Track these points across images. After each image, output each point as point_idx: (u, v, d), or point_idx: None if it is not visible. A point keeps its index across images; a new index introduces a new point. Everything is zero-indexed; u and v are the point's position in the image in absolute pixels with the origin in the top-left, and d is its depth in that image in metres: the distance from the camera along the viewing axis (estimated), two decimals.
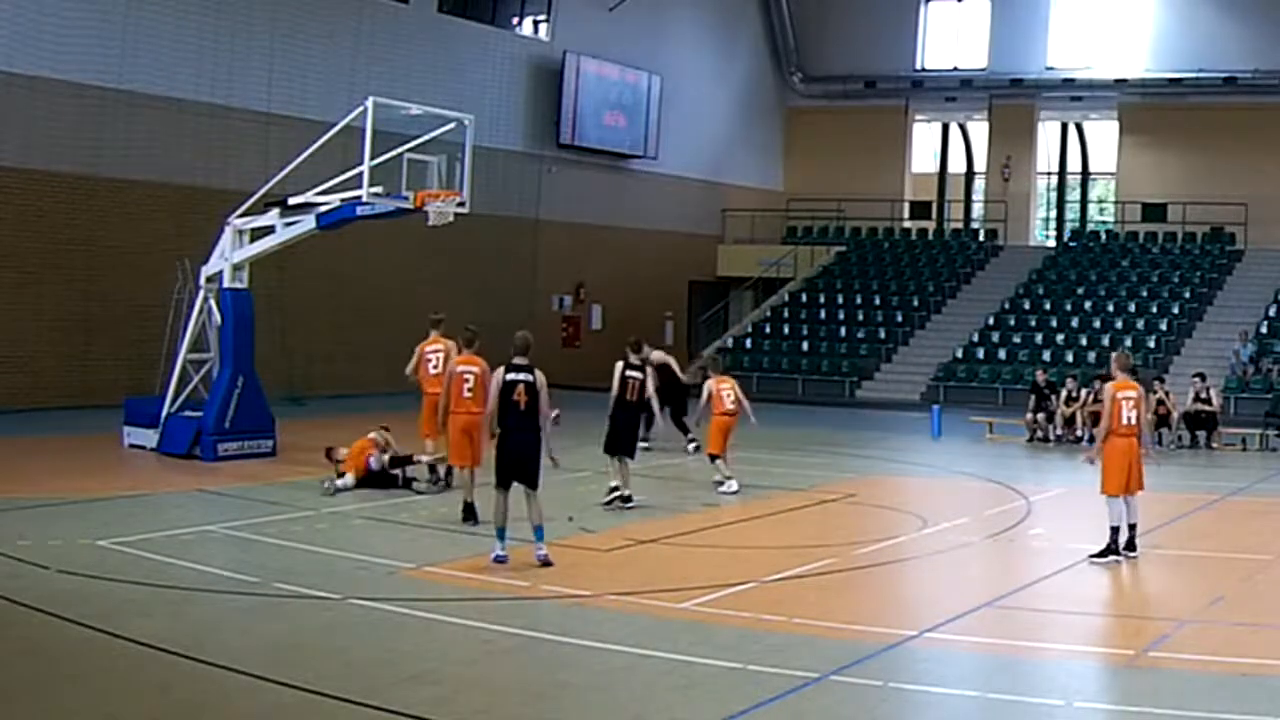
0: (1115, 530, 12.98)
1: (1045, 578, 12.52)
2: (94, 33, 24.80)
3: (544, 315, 34.28)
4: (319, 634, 9.82)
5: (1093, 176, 43.05)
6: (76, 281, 24.93)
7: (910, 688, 8.78)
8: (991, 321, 35.53)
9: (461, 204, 18.52)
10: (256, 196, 19.39)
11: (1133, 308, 34.75)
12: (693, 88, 39.33)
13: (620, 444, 15.84)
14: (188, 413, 19.18)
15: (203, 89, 26.75)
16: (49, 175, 24.59)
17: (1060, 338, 34.12)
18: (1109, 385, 13.57)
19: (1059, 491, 18.34)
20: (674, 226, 39.48)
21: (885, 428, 27.67)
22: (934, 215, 43.36)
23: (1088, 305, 35.22)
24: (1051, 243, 41.18)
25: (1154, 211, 38.31)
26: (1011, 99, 40.49)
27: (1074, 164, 42.85)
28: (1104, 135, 41.34)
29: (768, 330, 37.46)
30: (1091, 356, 32.10)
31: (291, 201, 19.08)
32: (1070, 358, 32.56)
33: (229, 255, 19.17)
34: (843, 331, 36.62)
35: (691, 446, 21.15)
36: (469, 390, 14.10)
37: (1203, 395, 24.52)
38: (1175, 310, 34.22)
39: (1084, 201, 42.90)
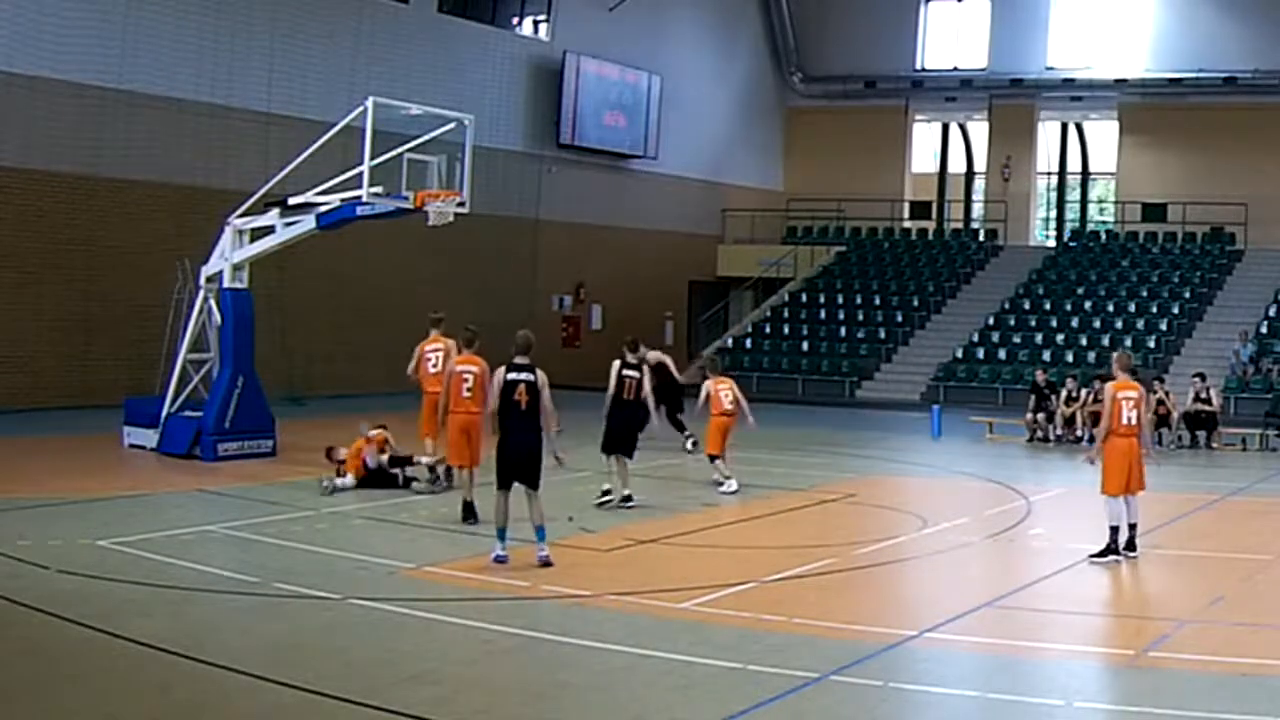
0: (1115, 530, 12.98)
1: (1045, 578, 12.52)
2: (94, 33, 24.80)
3: (544, 315, 34.28)
4: (319, 634, 9.82)
5: (1093, 176, 43.06)
6: (76, 281, 24.93)
7: (910, 688, 8.78)
8: (991, 321, 35.53)
9: (461, 204, 18.52)
10: (256, 196, 19.39)
11: (1133, 308, 34.76)
12: (693, 88, 39.33)
13: (618, 443, 15.86)
14: (188, 413, 19.18)
15: (203, 89, 26.75)
16: (49, 175, 24.59)
17: (1060, 338, 34.12)
18: (1110, 385, 13.56)
19: (1059, 491, 18.34)
20: (674, 226, 39.48)
21: (885, 428, 27.67)
22: (934, 215, 43.36)
23: (1088, 305, 35.22)
24: (1051, 243, 41.18)
25: (1154, 211, 38.31)
26: (1011, 99, 40.49)
27: (1074, 164, 42.85)
28: (1104, 135, 41.34)
29: (768, 330, 37.46)
30: (1091, 356, 32.11)
31: (291, 201, 19.09)
32: (1070, 358, 32.56)
33: (229, 255, 19.17)
34: (843, 331, 36.62)
35: (689, 443, 21.23)
36: (468, 390, 14.12)
37: (1203, 395, 24.52)
38: (1175, 310, 34.22)
39: (1084, 201, 42.90)
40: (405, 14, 31.11)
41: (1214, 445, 24.28)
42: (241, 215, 19.28)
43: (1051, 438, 24.73)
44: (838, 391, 34.21)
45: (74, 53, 24.46)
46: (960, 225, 42.85)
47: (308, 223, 18.88)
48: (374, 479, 16.37)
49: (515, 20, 35.08)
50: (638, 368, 16.35)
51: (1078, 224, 41.90)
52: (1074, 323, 34.67)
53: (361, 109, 18.13)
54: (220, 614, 10.36)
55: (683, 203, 39.79)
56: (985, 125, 41.91)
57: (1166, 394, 23.99)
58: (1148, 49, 38.36)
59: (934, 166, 44.26)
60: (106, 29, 25.01)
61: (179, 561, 11.87)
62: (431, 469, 16.33)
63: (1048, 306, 35.60)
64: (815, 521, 15.69)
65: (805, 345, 36.18)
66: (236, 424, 18.76)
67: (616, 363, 16.23)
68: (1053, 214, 43.14)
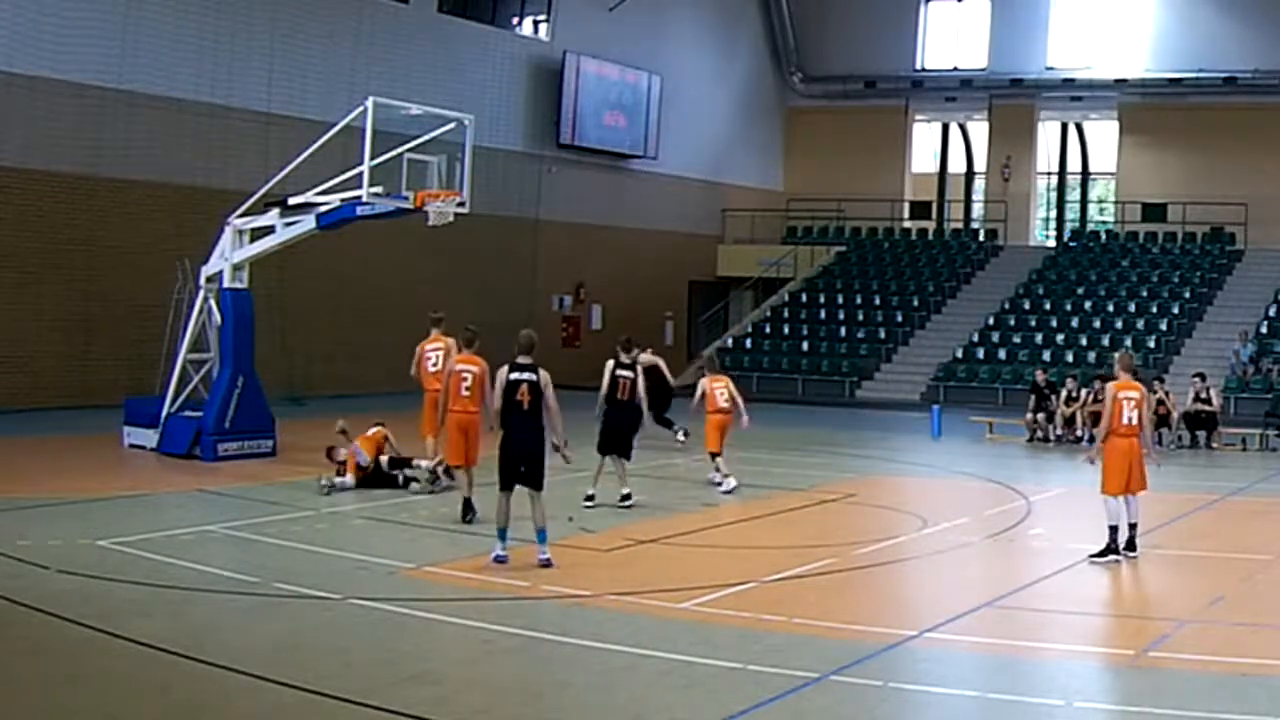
0: (1114, 530, 12.98)
1: (1045, 578, 12.52)
2: (94, 33, 24.80)
3: (544, 315, 34.28)
4: (319, 634, 9.82)
5: (1093, 176, 43.06)
6: (76, 281, 24.93)
7: (910, 688, 8.78)
8: (991, 321, 35.53)
9: (461, 204, 18.53)
10: (256, 196, 19.39)
11: (1133, 308, 34.76)
12: (693, 88, 39.33)
13: (614, 444, 15.87)
14: (188, 413, 19.18)
15: (203, 89, 26.75)
16: (49, 175, 24.59)
17: (1060, 338, 34.12)
18: (1111, 385, 13.56)
19: (1059, 491, 18.34)
20: (674, 226, 39.48)
21: (885, 428, 27.67)
22: (934, 215, 43.37)
23: (1088, 305, 35.22)
24: (1051, 243, 41.18)
25: (1154, 211, 38.31)
26: (1011, 99, 40.49)
27: (1074, 164, 42.85)
28: (1104, 135, 41.34)
29: (768, 330, 37.46)
30: (1091, 356, 32.12)
31: (291, 201, 19.09)
32: (1070, 358, 32.57)
33: (229, 255, 19.17)
34: (843, 331, 36.63)
35: (681, 435, 21.42)
36: (466, 389, 14.14)
37: (1203, 395, 24.52)
38: (1175, 310, 34.23)
39: (1084, 201, 42.91)
40: (405, 14, 31.11)
41: (1214, 445, 24.28)
42: (241, 215, 19.28)
43: (1051, 438, 24.73)
44: (838, 391, 34.21)
45: (74, 53, 24.46)
46: (960, 225, 42.86)
47: (308, 223, 18.88)
48: (373, 479, 16.37)
49: (515, 20, 35.08)
50: (631, 368, 16.40)
51: (1078, 224, 41.91)
52: (1074, 323, 34.67)
53: (361, 109, 18.13)
54: (220, 614, 10.36)
55: (683, 203, 39.79)
56: (985, 125, 41.91)
57: (1166, 394, 23.98)
58: (1148, 49, 38.36)
59: (934, 166, 44.27)
60: (106, 29, 25.01)
61: (179, 561, 11.87)
62: (433, 472, 16.29)
63: (1048, 306, 35.60)
64: (815, 521, 15.69)
65: (805, 345, 36.19)
66: (236, 424, 18.76)
67: (610, 363, 16.30)
68: (1053, 214, 43.15)
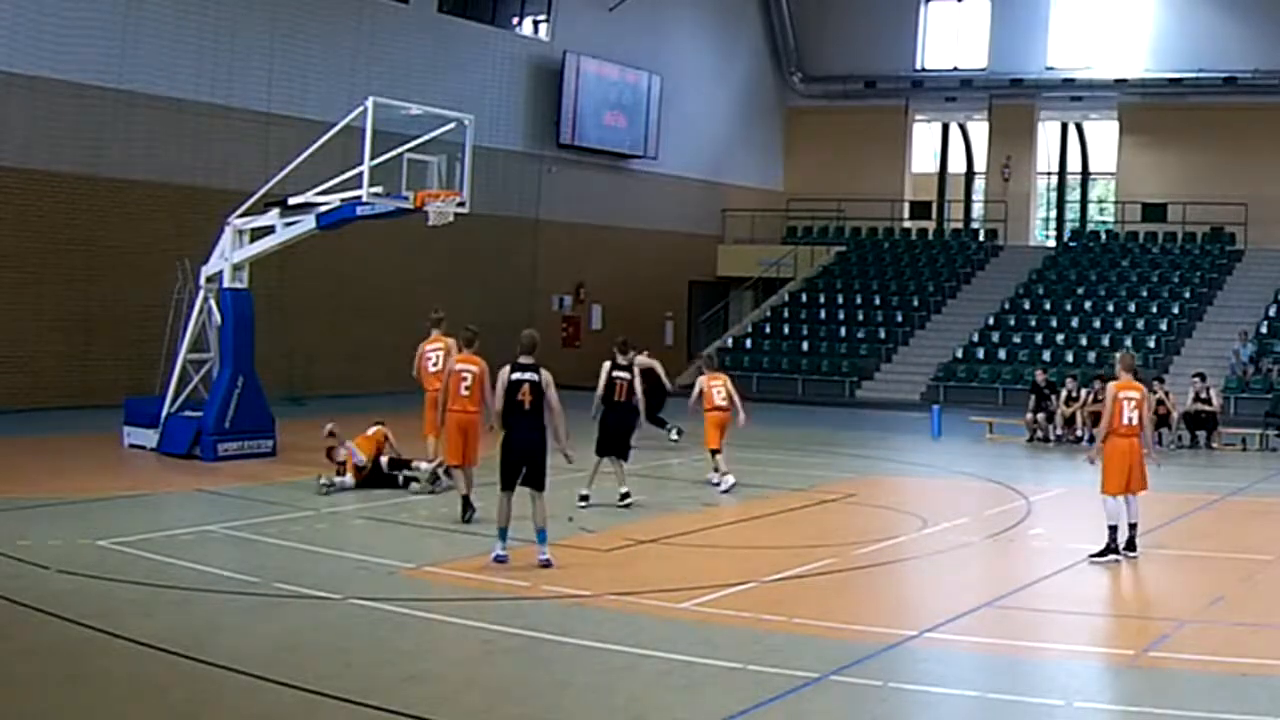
0: (1113, 529, 12.99)
1: (1045, 578, 12.52)
2: (94, 33, 24.80)
3: (544, 315, 34.27)
4: (319, 634, 9.82)
5: (1093, 176, 43.05)
6: (76, 281, 24.93)
7: (910, 688, 8.78)
8: (991, 321, 35.53)
9: (461, 204, 18.52)
10: (256, 196, 19.39)
11: (1133, 308, 34.76)
12: (693, 88, 39.33)
13: (612, 445, 15.88)
14: (188, 413, 19.18)
15: (203, 89, 26.75)
16: (49, 175, 24.59)
17: (1060, 338, 34.12)
18: (1111, 385, 13.57)
19: (1059, 491, 18.35)
20: (674, 226, 39.48)
21: (885, 428, 27.67)
22: (934, 215, 43.36)
23: (1088, 305, 35.22)
24: (1051, 243, 41.18)
25: (1154, 211, 38.31)
26: (1011, 99, 40.49)
27: (1074, 164, 42.85)
28: (1104, 135, 41.34)
29: (768, 330, 37.46)
30: (1091, 356, 32.13)
31: (291, 201, 19.08)
32: (1070, 358, 32.57)
33: (229, 255, 19.17)
34: (843, 331, 36.63)
35: (674, 435, 21.63)
36: (466, 389, 14.16)
37: (1203, 395, 24.52)
38: (1175, 310, 34.23)
39: (1084, 201, 42.91)
40: (405, 14, 31.11)
41: (1214, 445, 24.28)
42: (241, 215, 19.27)
43: (1051, 438, 24.73)
44: (838, 391, 34.21)
45: (74, 53, 24.45)
46: (960, 225, 42.85)
47: (308, 223, 18.88)
48: (373, 479, 16.36)
49: (515, 20, 35.08)
50: (628, 369, 16.44)
51: (1078, 224, 41.90)
52: (1074, 323, 34.67)
53: (361, 109, 18.13)
54: (220, 614, 10.35)
55: (683, 203, 39.79)
56: (985, 125, 41.90)
57: (1166, 394, 23.98)
58: (1148, 49, 38.36)
59: (934, 166, 44.26)
60: (106, 29, 25.01)
61: (179, 561, 11.87)
62: (433, 474, 16.26)
63: (1048, 306, 35.60)
64: (815, 521, 15.69)
65: (805, 345, 36.18)
66: (236, 424, 18.76)
67: (607, 364, 16.36)
68: (1053, 214, 43.14)
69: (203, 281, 19.47)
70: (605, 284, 36.87)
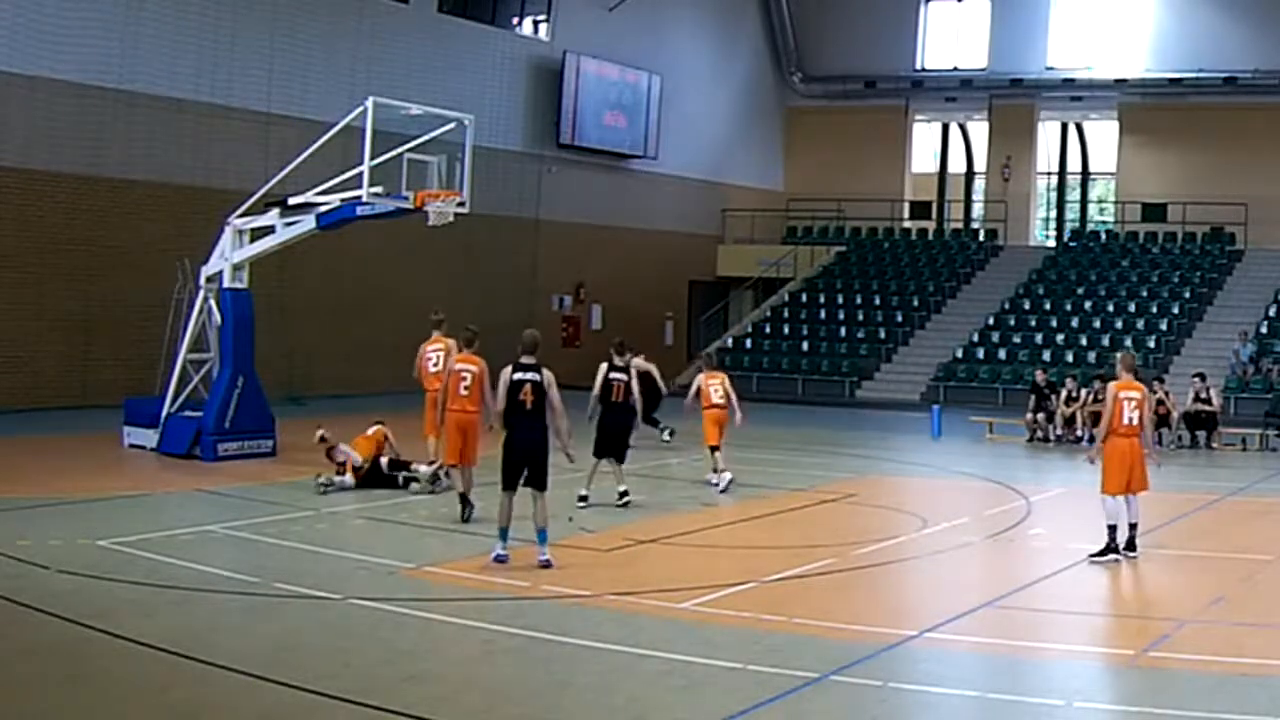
0: (1113, 528, 12.99)
1: (1045, 578, 12.52)
2: (94, 33, 24.79)
3: (544, 315, 34.26)
4: (319, 634, 9.82)
5: (1093, 176, 43.05)
6: (76, 281, 24.92)
7: (910, 688, 8.78)
8: (991, 321, 35.53)
9: (461, 204, 18.53)
10: (256, 196, 19.39)
11: (1133, 308, 34.76)
12: (693, 88, 39.33)
13: (610, 446, 15.89)
14: (188, 413, 19.18)
15: (203, 89, 26.75)
16: (49, 175, 24.59)
17: (1060, 338, 34.12)
18: (1112, 384, 13.58)
19: (1059, 491, 18.35)
20: (674, 226, 39.48)
21: (885, 428, 27.68)
22: (934, 215, 43.36)
23: (1088, 305, 35.22)
24: (1051, 243, 41.18)
25: (1154, 211, 38.30)
26: (1011, 99, 40.49)
27: (1074, 164, 42.85)
28: (1104, 135, 41.34)
29: (768, 330, 37.46)
30: (1091, 356, 32.13)
31: (291, 201, 19.08)
32: (1070, 358, 32.57)
33: (229, 255, 19.17)
34: (843, 331, 36.62)
35: (666, 435, 21.79)
36: (465, 389, 14.17)
37: (1203, 395, 24.52)
38: (1175, 310, 34.23)
39: (1084, 201, 42.90)
40: (405, 14, 31.11)
41: (1214, 445, 24.28)
42: (241, 215, 19.27)
43: (1051, 438, 24.73)
44: (838, 391, 34.21)
45: (74, 53, 24.45)
46: (960, 225, 42.85)
47: (308, 223, 18.88)
48: (373, 479, 16.36)
49: (515, 20, 35.07)
50: (625, 370, 16.47)
51: (1078, 224, 41.90)
52: (1074, 323, 34.67)
53: (361, 109, 18.13)
54: (220, 614, 10.35)
55: (683, 203, 39.79)
56: (985, 125, 41.90)
57: (1166, 394, 23.98)
58: (1148, 49, 38.35)
59: (934, 166, 44.26)
60: (106, 29, 25.00)
61: (179, 561, 11.87)
62: (434, 475, 16.24)
63: (1048, 306, 35.60)
64: (815, 521, 15.69)
65: (805, 345, 36.18)
66: (236, 424, 18.76)
67: (604, 365, 16.40)
68: (1053, 214, 43.14)
69: (203, 281, 19.47)
70: (605, 284, 36.87)
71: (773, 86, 43.31)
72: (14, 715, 7.78)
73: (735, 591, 11.33)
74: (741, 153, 42.15)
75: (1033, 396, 25.37)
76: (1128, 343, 31.24)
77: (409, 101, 20.08)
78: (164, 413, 19.13)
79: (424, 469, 16.33)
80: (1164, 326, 33.54)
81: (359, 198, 18.14)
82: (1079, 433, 24.22)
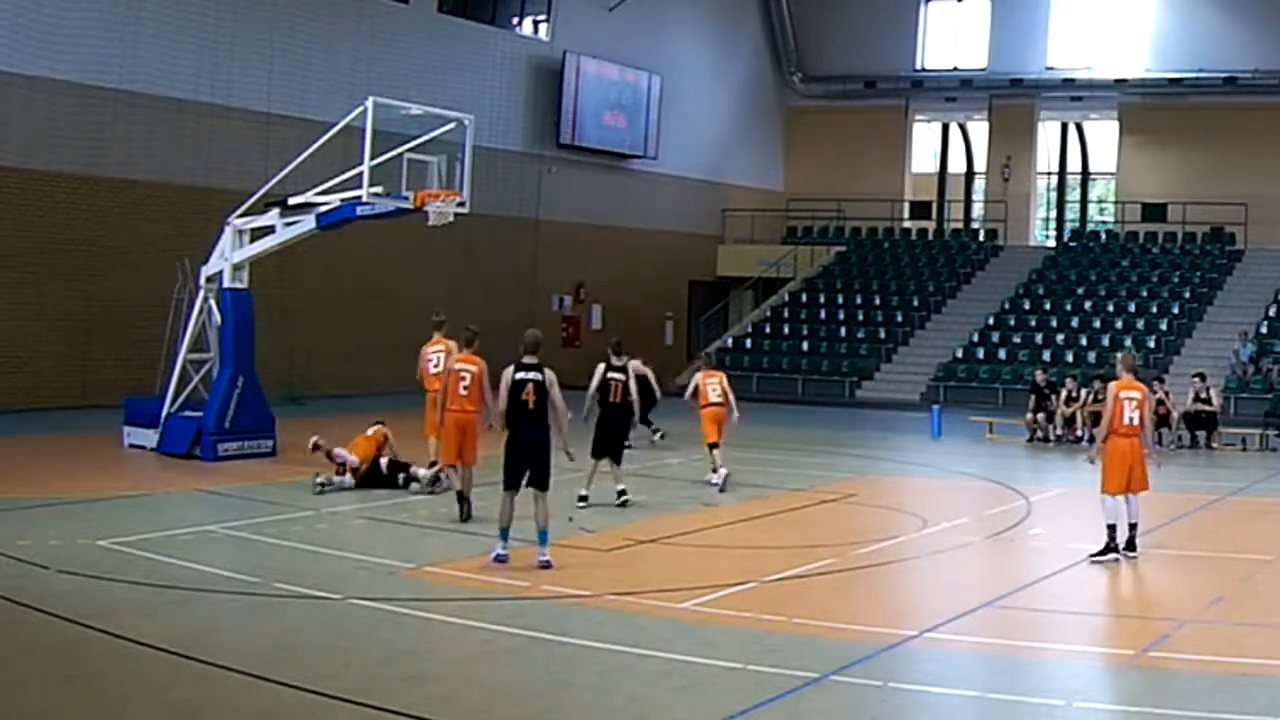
0: (1112, 528, 12.99)
1: (1045, 578, 12.52)
2: (94, 33, 24.79)
3: (544, 315, 34.25)
4: (319, 634, 9.82)
5: (1093, 176, 43.05)
6: (76, 281, 24.92)
7: (910, 688, 8.78)
8: (991, 321, 35.53)
9: (461, 204, 18.53)
10: (256, 196, 19.39)
11: (1133, 308, 34.76)
12: (693, 88, 39.33)
13: (608, 446, 15.89)
14: (188, 413, 19.18)
15: (203, 89, 26.75)
16: (49, 175, 24.59)
17: (1060, 338, 34.12)
18: (1113, 384, 13.59)
19: (1059, 491, 18.35)
20: (674, 226, 39.48)
21: (885, 428, 27.68)
22: (934, 215, 43.36)
23: (1088, 305, 35.23)
24: (1051, 243, 41.18)
25: (1154, 211, 38.31)
26: (1011, 99, 40.49)
27: (1074, 164, 42.85)
28: (1104, 135, 41.34)
29: (768, 330, 37.46)
30: (1091, 356, 32.14)
31: (291, 201, 19.08)
32: (1070, 358, 32.57)
33: (229, 255, 19.17)
34: (843, 331, 36.63)
35: (658, 436, 21.91)
36: (465, 388, 14.17)
37: (1203, 395, 24.52)
38: (1175, 310, 34.23)
39: (1084, 201, 42.90)
40: (405, 14, 31.11)
41: (1214, 445, 24.28)
42: (241, 215, 19.27)
43: (1051, 438, 24.73)
44: (838, 391, 34.21)
45: (74, 53, 24.45)
46: (960, 225, 42.85)
47: (308, 223, 18.88)
48: (373, 480, 16.35)
49: (515, 20, 35.07)
50: (622, 370, 16.47)
51: (1078, 224, 41.90)
52: (1074, 323, 34.67)
53: (361, 109, 18.13)
54: (220, 614, 10.35)
55: (683, 203, 39.79)
56: (985, 125, 41.90)
57: (1166, 394, 23.97)
58: (1148, 49, 38.35)
59: (934, 166, 44.26)
60: (106, 29, 25.00)
61: (179, 561, 11.87)
62: (434, 478, 16.21)
63: (1048, 306, 35.60)
64: (815, 521, 15.69)
65: (805, 345, 36.18)
66: (236, 424, 18.76)
67: (601, 366, 16.42)
68: (1053, 214, 43.14)
69: (203, 281, 19.47)
70: (605, 284, 36.87)
71: (773, 86, 43.31)
72: (14, 715, 7.78)
73: (735, 591, 11.33)
74: (741, 153, 42.15)
75: (1033, 396, 25.37)
76: (1128, 343, 31.22)
77: (409, 101, 20.08)
78: (164, 413, 19.13)
79: (423, 473, 16.30)
80: (1164, 326, 33.54)
81: (359, 198, 18.14)
82: (1079, 433, 24.22)
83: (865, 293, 38.07)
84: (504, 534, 12.14)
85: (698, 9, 40.00)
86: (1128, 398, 13.23)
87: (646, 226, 38.47)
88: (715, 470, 17.58)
